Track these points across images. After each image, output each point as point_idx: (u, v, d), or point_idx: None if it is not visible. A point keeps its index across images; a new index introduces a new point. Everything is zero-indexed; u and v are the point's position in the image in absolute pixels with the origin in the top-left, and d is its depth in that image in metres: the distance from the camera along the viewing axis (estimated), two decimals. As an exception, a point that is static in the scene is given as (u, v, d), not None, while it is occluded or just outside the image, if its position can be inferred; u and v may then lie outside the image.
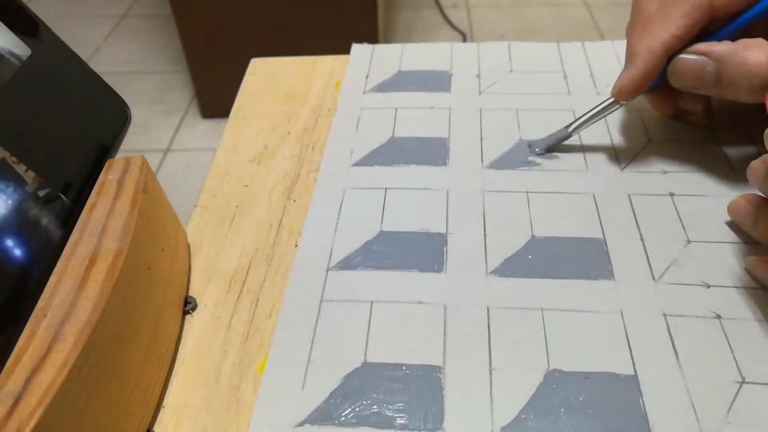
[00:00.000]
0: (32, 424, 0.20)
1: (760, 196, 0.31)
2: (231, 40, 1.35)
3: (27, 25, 0.30)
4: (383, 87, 0.44)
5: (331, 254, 0.33)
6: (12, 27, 0.28)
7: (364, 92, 0.44)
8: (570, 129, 0.37)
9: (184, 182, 1.32)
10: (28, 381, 0.21)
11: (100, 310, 0.23)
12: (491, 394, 0.26)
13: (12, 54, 0.28)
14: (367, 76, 0.46)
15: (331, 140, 0.40)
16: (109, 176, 0.29)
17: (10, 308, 0.23)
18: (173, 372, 0.29)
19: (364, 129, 0.41)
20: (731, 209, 0.33)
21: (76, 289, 0.24)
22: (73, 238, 0.26)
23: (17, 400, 0.20)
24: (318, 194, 0.36)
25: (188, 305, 0.31)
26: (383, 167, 0.38)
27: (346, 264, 0.32)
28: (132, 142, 0.34)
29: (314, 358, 0.28)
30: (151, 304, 0.27)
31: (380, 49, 0.48)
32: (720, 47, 0.31)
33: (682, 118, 0.39)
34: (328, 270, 0.32)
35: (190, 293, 0.32)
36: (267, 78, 0.47)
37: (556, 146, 0.38)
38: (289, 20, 1.31)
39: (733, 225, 0.33)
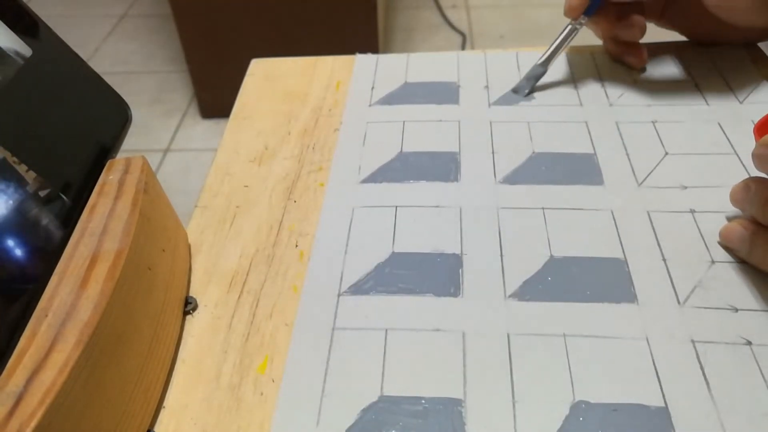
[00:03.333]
0: (33, 424, 0.20)
1: (754, 221, 0.30)
2: (230, 41, 1.35)
3: (28, 25, 0.30)
4: (389, 99, 0.43)
5: (342, 278, 0.31)
6: (13, 27, 0.28)
7: (370, 105, 0.43)
8: (540, 62, 0.42)
9: (184, 182, 1.32)
10: (29, 381, 0.21)
11: (101, 311, 0.23)
12: (515, 429, 0.25)
13: (13, 54, 0.28)
14: (372, 88, 0.44)
15: (338, 156, 0.39)
16: (109, 176, 0.29)
17: (11, 308, 0.23)
18: (174, 372, 0.29)
19: (371, 143, 0.39)
20: (723, 235, 0.31)
21: (77, 290, 0.24)
22: (74, 238, 0.26)
23: (18, 401, 0.20)
24: (326, 213, 0.35)
25: (189, 305, 0.31)
26: (392, 184, 0.36)
27: (358, 289, 0.31)
28: (131, 142, 0.34)
29: (328, 391, 0.27)
30: (152, 305, 0.27)
31: (385, 59, 0.47)
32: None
33: (620, 59, 0.44)
34: (339, 295, 0.31)
35: (191, 293, 0.32)
36: (267, 78, 0.47)
37: (537, 84, 0.42)
38: (288, 20, 1.31)
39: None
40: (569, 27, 0.41)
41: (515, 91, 0.42)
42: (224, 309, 0.31)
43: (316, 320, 0.30)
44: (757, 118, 0.31)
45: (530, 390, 0.26)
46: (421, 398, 0.26)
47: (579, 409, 0.25)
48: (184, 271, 0.32)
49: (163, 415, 0.27)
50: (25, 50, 0.29)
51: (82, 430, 0.22)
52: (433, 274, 0.31)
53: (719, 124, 0.38)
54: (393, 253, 0.32)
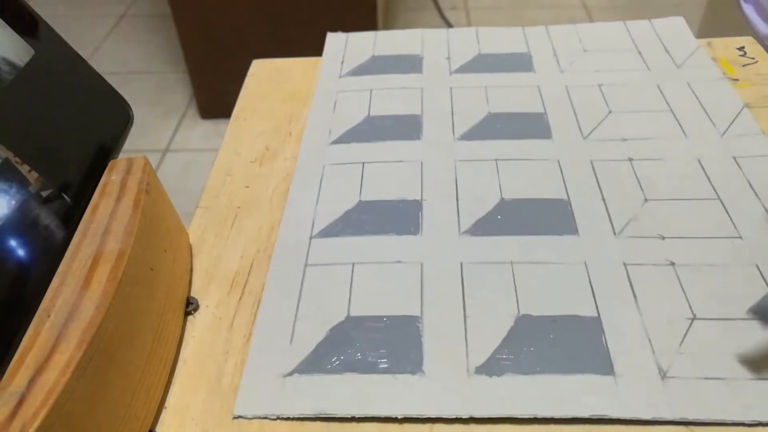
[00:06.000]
0: (36, 424, 0.20)
1: None
2: (230, 41, 1.35)
3: (30, 26, 0.30)
4: (358, 71, 0.46)
5: (313, 225, 0.34)
6: (15, 28, 0.28)
7: (340, 77, 0.46)
8: None
9: (183, 183, 1.31)
10: (31, 381, 0.21)
11: (104, 311, 0.23)
12: (466, 339, 0.28)
13: (15, 55, 0.28)
14: (342, 62, 0.47)
15: (310, 123, 0.42)
16: (111, 177, 0.29)
17: (14, 309, 0.23)
18: (175, 373, 0.29)
19: (341, 110, 0.43)
20: None
21: (80, 290, 0.24)
22: (76, 238, 0.26)
23: (21, 401, 0.20)
24: (298, 172, 0.38)
25: (190, 306, 0.31)
26: (360, 144, 0.40)
27: (328, 232, 0.34)
28: (131, 142, 0.34)
29: (301, 315, 0.30)
30: (154, 305, 0.27)
31: (354, 37, 0.50)
32: None
33: None
34: (311, 238, 0.34)
35: (192, 294, 0.32)
36: (268, 79, 0.47)
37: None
38: (288, 21, 1.31)
39: (684, 183, 0.35)
40: None
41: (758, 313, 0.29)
42: (225, 309, 0.31)
43: (290, 260, 0.33)
44: (692, 80, 0.36)
45: (480, 307, 0.30)
46: (383, 317, 0.29)
47: (522, 321, 0.29)
48: (186, 271, 0.32)
49: (165, 415, 0.27)
50: (28, 51, 0.29)
51: (84, 430, 0.22)
52: (395, 217, 0.35)
53: (658, 86, 0.43)
54: (360, 201, 0.36)
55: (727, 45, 0.47)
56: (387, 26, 1.70)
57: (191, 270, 0.33)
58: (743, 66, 0.44)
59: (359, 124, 0.41)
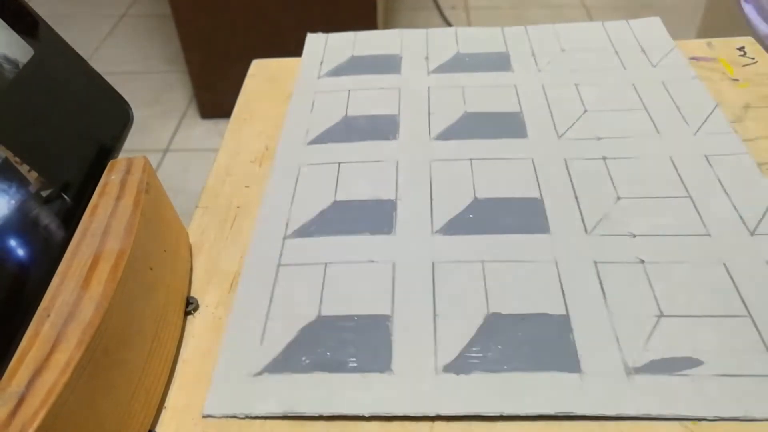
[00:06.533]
0: (36, 424, 0.19)
1: None
2: (230, 41, 1.35)
3: (30, 26, 0.30)
4: (337, 71, 0.47)
5: (287, 225, 0.35)
6: (15, 28, 0.28)
7: (319, 77, 0.46)
8: None
9: (183, 183, 1.31)
10: (31, 381, 0.21)
11: (103, 311, 0.23)
12: (435, 338, 0.28)
13: (15, 54, 0.28)
14: (321, 63, 0.48)
15: (287, 123, 0.42)
16: (111, 177, 0.29)
17: (13, 309, 0.23)
18: (175, 372, 0.29)
19: (319, 111, 0.43)
20: None
21: (79, 290, 0.24)
22: (76, 238, 0.26)
23: (21, 401, 0.20)
24: (275, 173, 0.38)
25: (190, 306, 0.31)
26: (337, 144, 0.40)
27: (302, 232, 0.34)
28: (130, 142, 0.34)
29: (272, 315, 0.30)
30: (154, 305, 0.27)
31: (334, 37, 0.50)
32: None
33: None
34: (284, 239, 0.34)
35: (192, 294, 0.32)
36: (268, 79, 0.47)
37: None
38: (288, 21, 1.31)
39: (657, 181, 0.36)
40: None
41: None
42: (225, 309, 0.31)
43: (263, 260, 0.33)
44: (666, 80, 0.36)
45: (450, 306, 0.30)
46: (353, 316, 0.30)
47: (491, 320, 0.29)
48: (186, 271, 0.32)
49: (165, 415, 0.27)
50: (28, 51, 0.29)
51: (83, 430, 0.22)
52: (369, 217, 0.35)
53: (633, 85, 0.43)
54: (335, 201, 0.36)
55: (727, 45, 0.47)
56: (387, 26, 1.70)
57: (191, 270, 0.33)
58: (743, 66, 0.44)
59: (336, 124, 0.41)
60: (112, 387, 0.23)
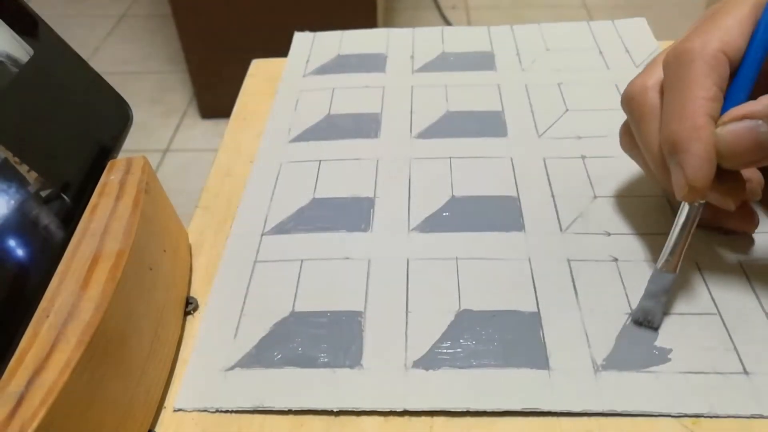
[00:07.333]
0: (35, 425, 0.19)
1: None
2: (230, 41, 1.35)
3: (29, 26, 0.30)
4: (322, 70, 0.47)
5: (266, 221, 0.35)
6: (15, 28, 0.28)
7: (304, 75, 0.46)
8: (661, 267, 0.29)
9: (183, 183, 1.31)
10: (30, 382, 0.21)
11: (103, 311, 0.23)
12: (406, 334, 0.29)
13: (15, 54, 0.28)
14: (307, 61, 0.48)
15: (270, 120, 0.42)
16: (111, 177, 0.29)
17: (13, 309, 0.23)
18: (174, 373, 0.29)
19: (303, 109, 0.43)
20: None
21: (79, 290, 0.24)
22: (76, 238, 0.26)
23: (20, 401, 0.20)
24: (255, 170, 0.38)
25: (189, 306, 0.31)
26: (319, 142, 0.40)
27: (280, 229, 0.34)
28: (130, 142, 0.34)
29: (247, 311, 0.30)
30: (153, 305, 0.27)
31: (321, 36, 0.50)
32: (759, 104, 0.25)
33: (720, 227, 0.32)
34: (262, 235, 0.34)
35: (192, 294, 0.32)
36: (268, 79, 0.47)
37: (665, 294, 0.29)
38: (288, 21, 1.31)
39: (634, 180, 0.36)
40: (688, 210, 0.28)
41: (639, 322, 0.28)
42: (225, 309, 0.31)
43: (240, 256, 0.33)
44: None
45: (422, 303, 0.30)
46: (327, 312, 0.30)
47: (462, 316, 0.29)
48: (185, 271, 0.32)
49: (164, 416, 0.27)
50: (28, 51, 0.29)
51: (83, 430, 0.22)
52: (347, 214, 0.35)
53: (616, 85, 0.43)
54: (314, 198, 0.36)
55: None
56: (387, 26, 1.70)
57: (191, 270, 0.33)
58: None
59: (319, 122, 0.41)
60: (111, 387, 0.23)
